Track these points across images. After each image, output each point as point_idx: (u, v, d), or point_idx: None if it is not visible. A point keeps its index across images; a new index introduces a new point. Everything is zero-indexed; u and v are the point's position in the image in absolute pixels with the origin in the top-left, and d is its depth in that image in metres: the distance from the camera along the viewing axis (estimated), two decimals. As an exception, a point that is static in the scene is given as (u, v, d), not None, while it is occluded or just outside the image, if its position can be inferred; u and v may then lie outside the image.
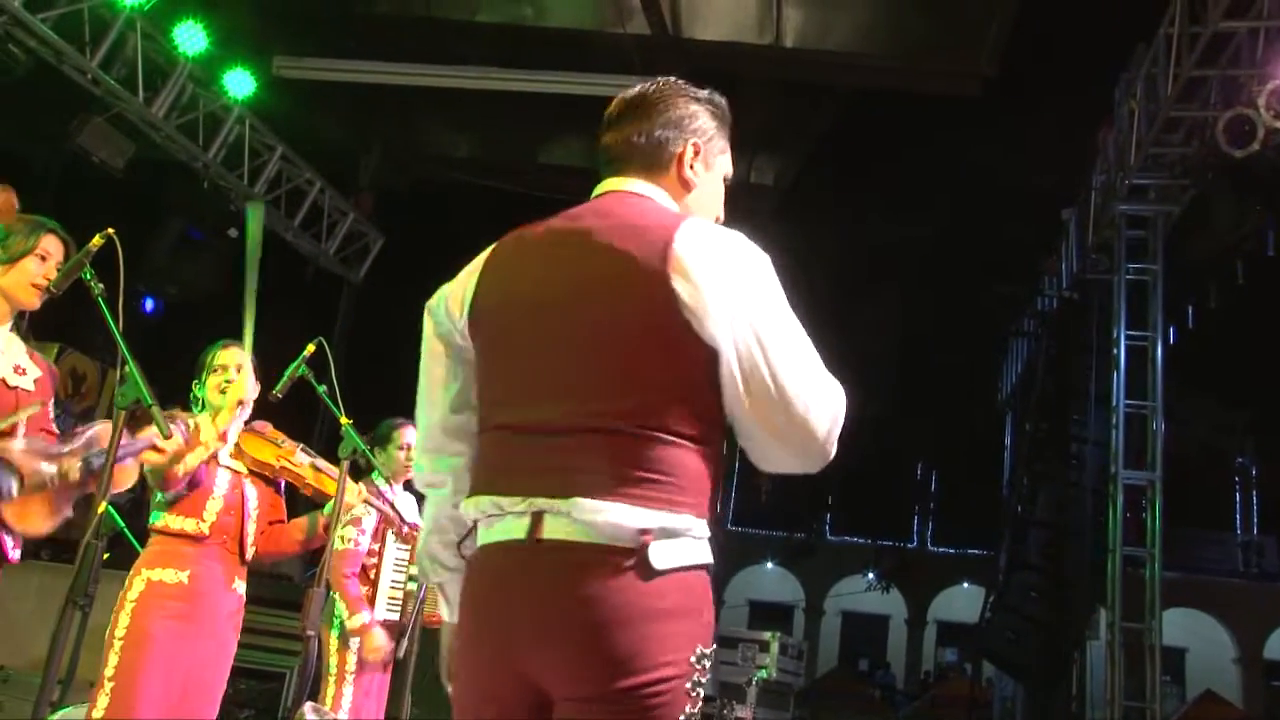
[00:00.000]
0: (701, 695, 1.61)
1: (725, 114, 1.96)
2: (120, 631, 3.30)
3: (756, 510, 25.74)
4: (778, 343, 1.65)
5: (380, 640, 4.30)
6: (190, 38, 8.24)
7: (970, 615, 17.68)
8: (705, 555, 1.66)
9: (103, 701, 3.20)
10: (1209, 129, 8.01)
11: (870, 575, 25.38)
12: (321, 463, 3.71)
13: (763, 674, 8.21)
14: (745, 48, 9.18)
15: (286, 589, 6.90)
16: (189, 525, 3.45)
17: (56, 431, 3.01)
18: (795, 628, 24.95)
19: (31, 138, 8.14)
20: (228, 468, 3.59)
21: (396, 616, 4.42)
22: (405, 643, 4.14)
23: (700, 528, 1.65)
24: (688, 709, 1.59)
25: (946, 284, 16.96)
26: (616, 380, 1.65)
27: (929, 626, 25.68)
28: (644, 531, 1.59)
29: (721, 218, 1.96)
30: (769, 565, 26.30)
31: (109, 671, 3.24)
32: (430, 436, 1.92)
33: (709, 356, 1.63)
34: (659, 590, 1.59)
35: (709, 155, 1.91)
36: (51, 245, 2.89)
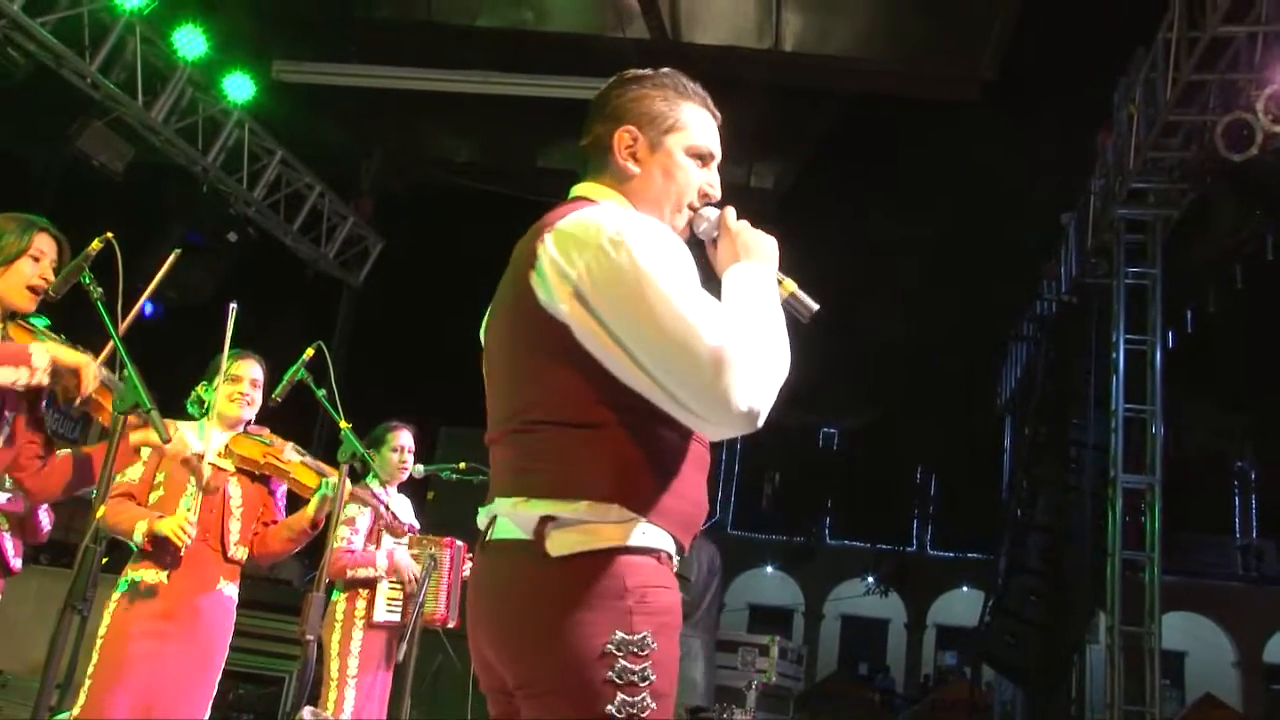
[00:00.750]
0: (642, 682, 1.56)
1: (679, 86, 1.88)
2: (101, 630, 3.32)
3: (756, 514, 25.76)
4: (622, 301, 1.58)
5: (408, 558, 4.39)
6: (190, 42, 8.25)
7: (970, 619, 17.68)
8: (618, 538, 1.60)
9: (81, 698, 3.23)
10: (1208, 133, 8.02)
11: (870, 579, 25.38)
12: (311, 460, 3.70)
13: (762, 678, 8.20)
14: (745, 52, 9.19)
15: (285, 593, 6.91)
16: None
17: (44, 433, 2.99)
18: (795, 631, 24.94)
19: (31, 141, 8.14)
20: (212, 465, 3.58)
21: (397, 618, 4.41)
22: (405, 645, 4.12)
23: (613, 512, 1.60)
24: (621, 698, 1.54)
25: (946, 288, 16.97)
26: (511, 381, 1.75)
27: (928, 630, 25.67)
28: (543, 521, 1.62)
29: (713, 194, 1.88)
30: (768, 569, 26.30)
31: (89, 669, 3.26)
32: None
33: (569, 337, 1.62)
34: (557, 578, 1.59)
35: (653, 135, 1.84)
36: (45, 244, 2.81)
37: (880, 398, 21.06)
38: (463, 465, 4.47)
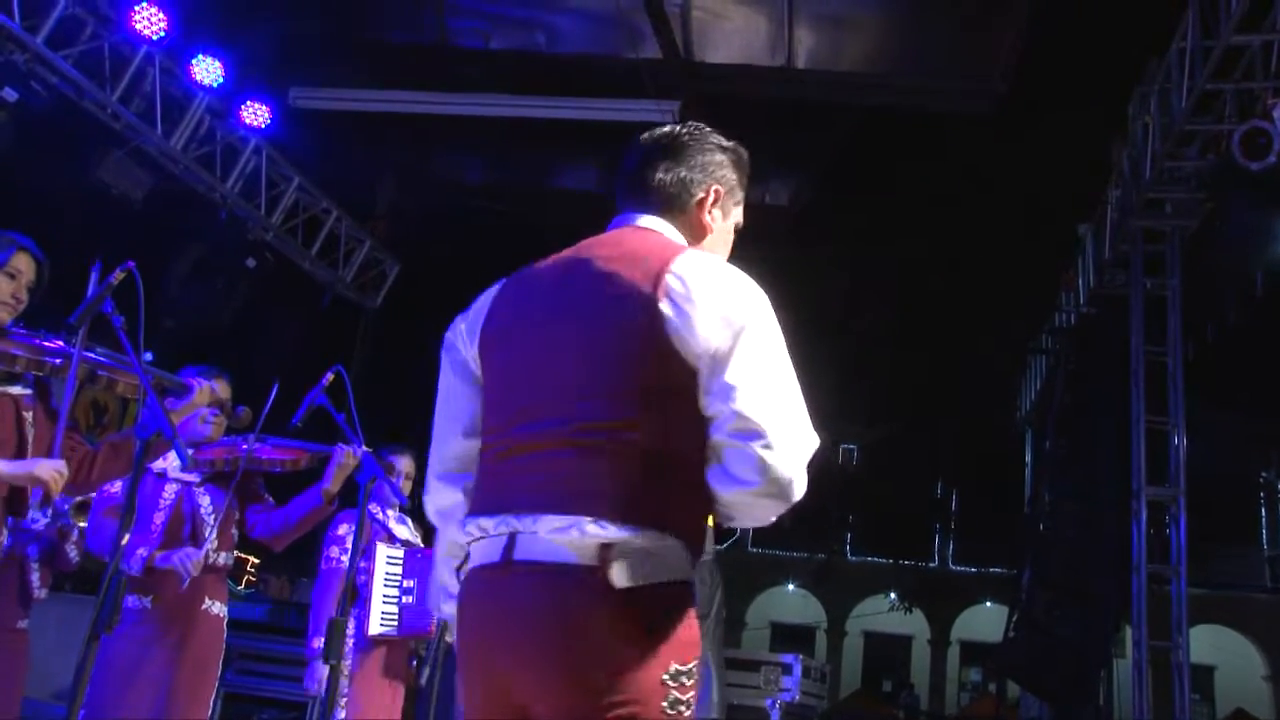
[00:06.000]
0: (687, 711, 1.59)
1: (746, 166, 2.02)
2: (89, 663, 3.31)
3: (777, 532, 25.64)
4: (752, 373, 1.65)
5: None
6: (207, 71, 8.34)
7: (994, 634, 17.51)
8: (676, 572, 1.64)
9: None
10: (1224, 142, 7.98)
11: (892, 595, 25.21)
12: (280, 439, 3.70)
13: (785, 697, 8.14)
14: (757, 70, 9.20)
15: (307, 617, 6.89)
16: (140, 539, 3.44)
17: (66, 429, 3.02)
18: (817, 649, 24.79)
19: (52, 172, 8.24)
20: (176, 479, 3.57)
21: (394, 631, 4.35)
22: (427, 669, 4.10)
23: (671, 544, 1.64)
24: None
25: (963, 301, 16.92)
26: (597, 398, 1.67)
27: (952, 646, 25.45)
28: (606, 547, 1.59)
29: None
30: (790, 587, 26.16)
31: (79, 700, 3.25)
32: (444, 462, 1.92)
33: (688, 377, 1.67)
34: (622, 610, 1.59)
35: (727, 204, 1.98)
36: (22, 263, 2.86)
37: (899, 412, 20.97)
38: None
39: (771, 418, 1.63)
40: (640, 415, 1.65)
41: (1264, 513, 23.72)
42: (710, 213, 1.94)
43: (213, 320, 9.36)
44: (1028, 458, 15.82)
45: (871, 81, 9.44)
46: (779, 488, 1.64)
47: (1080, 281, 11.76)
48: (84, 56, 7.57)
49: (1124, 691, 10.79)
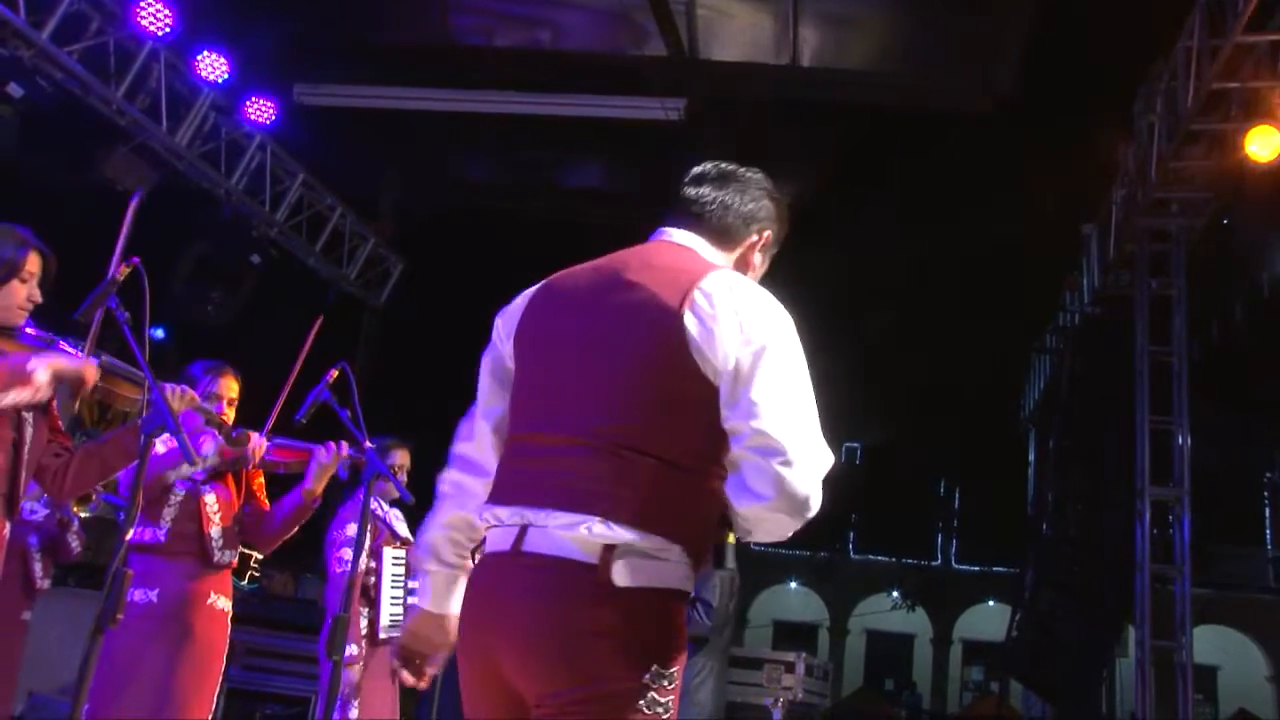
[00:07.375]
0: (665, 714, 1.66)
1: (786, 221, 2.09)
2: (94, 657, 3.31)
3: (779, 530, 25.64)
4: (773, 392, 1.71)
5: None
6: (212, 67, 8.35)
7: (997, 634, 17.52)
8: (675, 580, 1.71)
9: None
10: (1231, 142, 7.96)
11: (895, 594, 25.20)
12: (284, 440, 3.71)
13: (787, 695, 8.15)
14: (762, 68, 9.20)
15: (311, 613, 6.92)
16: (147, 534, 3.45)
17: (61, 432, 3.00)
18: (820, 648, 24.79)
19: (57, 167, 8.24)
20: (187, 477, 3.58)
21: (400, 633, 4.30)
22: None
23: (676, 553, 1.71)
24: None
25: (967, 300, 16.89)
26: (615, 403, 1.75)
27: (955, 645, 25.45)
28: (609, 548, 1.66)
29: None
30: (792, 585, 26.17)
31: (84, 694, 3.26)
32: (478, 439, 1.98)
33: (709, 391, 1.72)
34: (615, 607, 1.66)
35: (768, 254, 2.05)
36: (34, 264, 2.83)
37: (902, 412, 20.94)
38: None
39: (790, 436, 1.68)
40: (656, 424, 1.72)
41: (1268, 513, 23.67)
42: (758, 253, 2.03)
43: (216, 316, 9.37)
44: (1031, 457, 15.83)
45: (876, 80, 9.44)
46: (794, 503, 1.70)
47: (1085, 282, 11.74)
48: (89, 52, 7.58)
49: (1127, 691, 10.79)
